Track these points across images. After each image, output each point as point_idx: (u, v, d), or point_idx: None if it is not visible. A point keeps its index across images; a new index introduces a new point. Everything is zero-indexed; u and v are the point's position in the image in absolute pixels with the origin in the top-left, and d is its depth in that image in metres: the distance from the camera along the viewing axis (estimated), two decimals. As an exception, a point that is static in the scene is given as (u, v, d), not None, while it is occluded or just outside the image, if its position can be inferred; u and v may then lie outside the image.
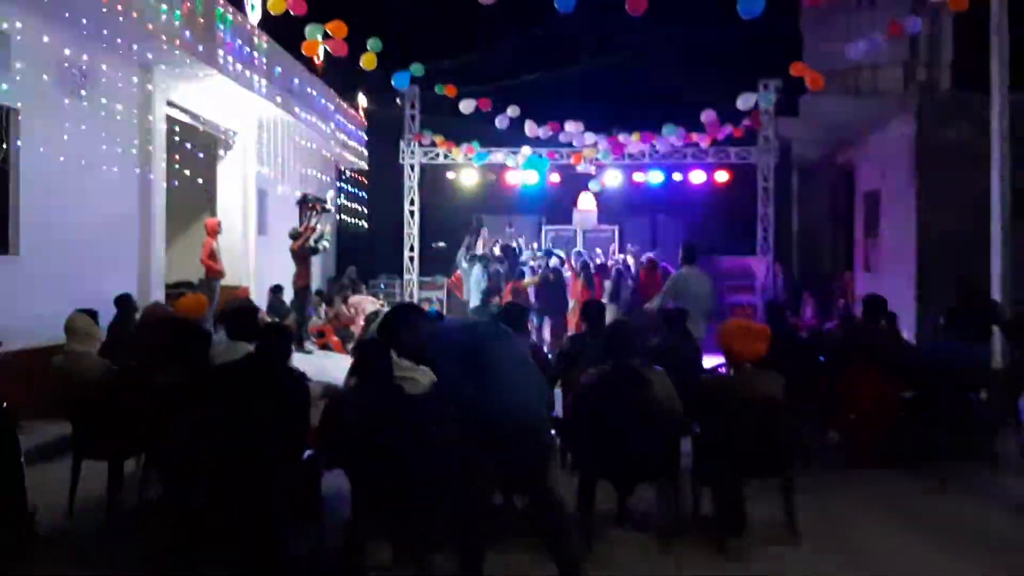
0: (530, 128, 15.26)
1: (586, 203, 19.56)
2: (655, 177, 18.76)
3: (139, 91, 11.25)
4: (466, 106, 14.31)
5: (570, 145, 16.79)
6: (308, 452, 4.99)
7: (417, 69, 12.82)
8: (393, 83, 13.08)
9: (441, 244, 19.32)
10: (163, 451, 5.42)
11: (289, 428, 4.75)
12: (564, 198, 19.72)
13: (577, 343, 7.43)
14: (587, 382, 5.17)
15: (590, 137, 15.80)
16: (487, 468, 4.34)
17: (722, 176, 18.99)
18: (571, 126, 15.28)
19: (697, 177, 18.95)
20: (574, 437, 5.66)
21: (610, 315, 14.87)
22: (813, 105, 18.01)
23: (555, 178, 18.94)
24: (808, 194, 21.37)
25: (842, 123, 18.20)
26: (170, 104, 12.27)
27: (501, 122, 14.93)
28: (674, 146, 17.62)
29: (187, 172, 13.46)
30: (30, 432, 7.14)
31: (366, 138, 20.00)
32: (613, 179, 18.85)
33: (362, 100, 20.03)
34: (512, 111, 14.87)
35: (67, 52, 9.57)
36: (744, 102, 14.51)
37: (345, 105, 18.60)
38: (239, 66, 12.57)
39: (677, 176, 18.92)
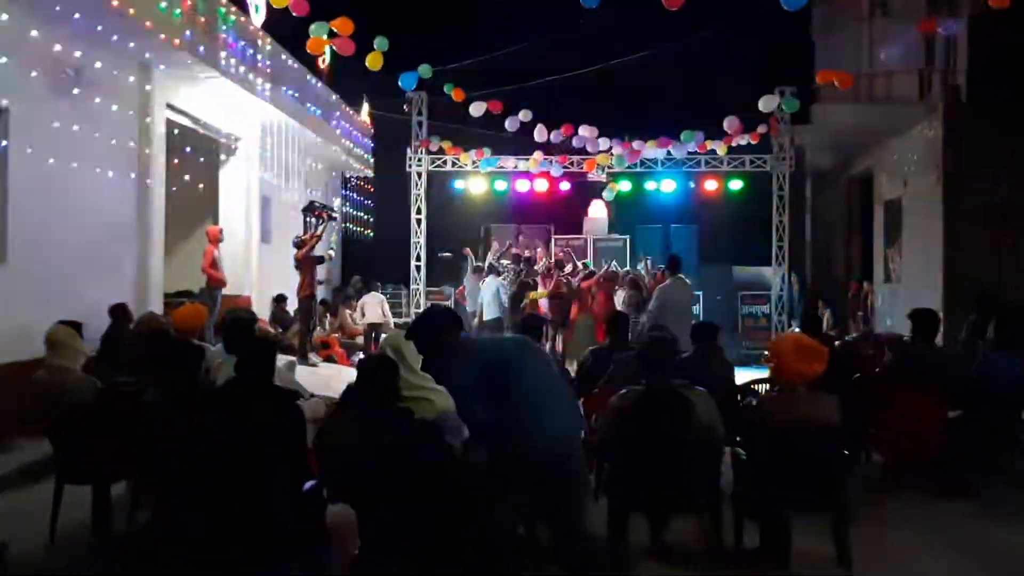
0: (540, 133, 14.76)
1: (597, 212, 19.09)
2: (668, 185, 18.29)
3: (137, 92, 10.81)
4: (476, 108, 13.83)
5: (584, 151, 16.31)
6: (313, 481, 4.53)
7: (425, 70, 12.36)
8: (400, 84, 12.60)
9: (446, 254, 18.82)
10: (152, 475, 4.95)
11: (280, 453, 4.26)
12: (574, 207, 19.25)
13: (601, 359, 6.95)
14: (621, 404, 4.67)
15: (604, 143, 15.29)
16: (510, 499, 3.87)
17: (736, 184, 18.51)
18: (585, 131, 14.76)
19: (711, 185, 18.48)
20: (604, 463, 5.16)
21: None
22: (826, 113, 17.63)
23: (565, 186, 18.48)
24: (821, 203, 20.94)
25: (857, 130, 17.79)
26: (170, 107, 11.83)
27: (511, 125, 14.43)
28: (689, 153, 17.17)
29: (188, 178, 13.01)
30: (13, 451, 6.67)
31: (372, 145, 19.54)
32: (625, 187, 18.40)
33: (367, 107, 19.58)
34: (523, 115, 14.37)
35: (58, 48, 9.10)
36: (766, 104, 14.01)
37: (350, 111, 18.16)
38: (242, 68, 12.14)
39: (691, 184, 18.45)
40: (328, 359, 15.04)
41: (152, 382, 4.94)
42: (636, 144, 15.70)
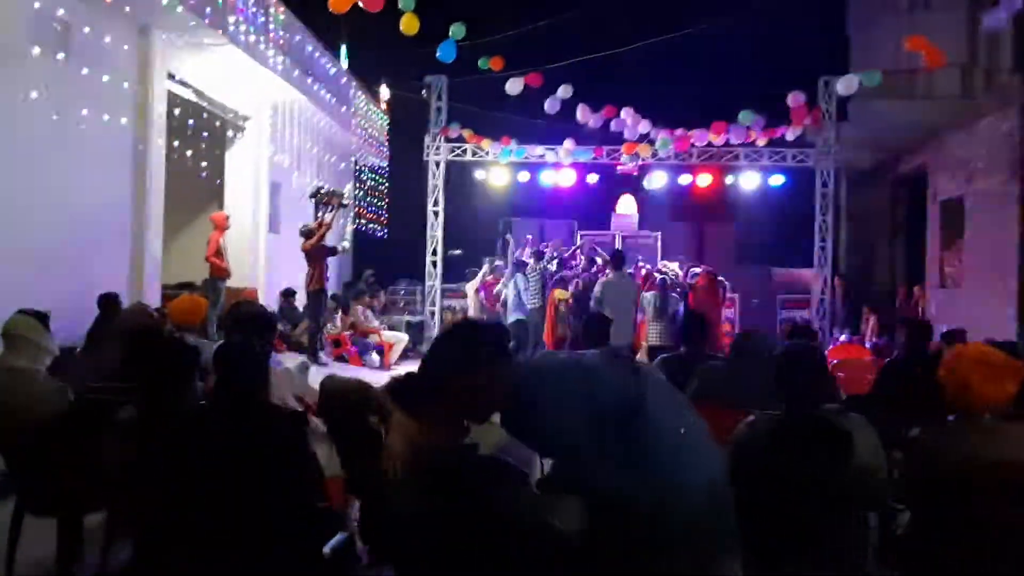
0: (582, 113, 13.53)
1: (626, 207, 17.94)
2: (703, 180, 17.10)
3: (135, 57, 9.71)
4: (513, 85, 12.57)
5: (620, 140, 15.09)
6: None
7: (458, 31, 11.04)
8: (438, 56, 11.35)
9: (457, 251, 17.66)
10: (132, 505, 3.82)
11: (277, 484, 3.18)
12: (602, 201, 18.10)
13: (676, 370, 5.79)
14: (749, 436, 3.52)
15: (645, 126, 13.99)
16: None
17: (777, 180, 17.32)
18: (627, 114, 13.51)
19: (749, 181, 17.29)
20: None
21: (656, 334, 13.26)
22: (868, 109, 16.58)
23: (592, 179, 17.32)
24: (859, 203, 19.82)
25: (906, 127, 16.72)
26: (172, 78, 10.72)
27: (551, 106, 13.20)
28: (725, 146, 16.01)
29: (190, 159, 11.92)
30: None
31: (387, 131, 18.41)
32: (658, 181, 17.24)
33: (384, 91, 18.44)
34: (564, 91, 13.09)
35: (38, 6, 7.98)
36: (846, 85, 12.79)
37: (365, 95, 17.04)
38: (253, 37, 11.03)
39: (727, 179, 17.27)
40: (339, 358, 13.98)
41: (131, 393, 3.80)
42: (683, 130, 14.40)
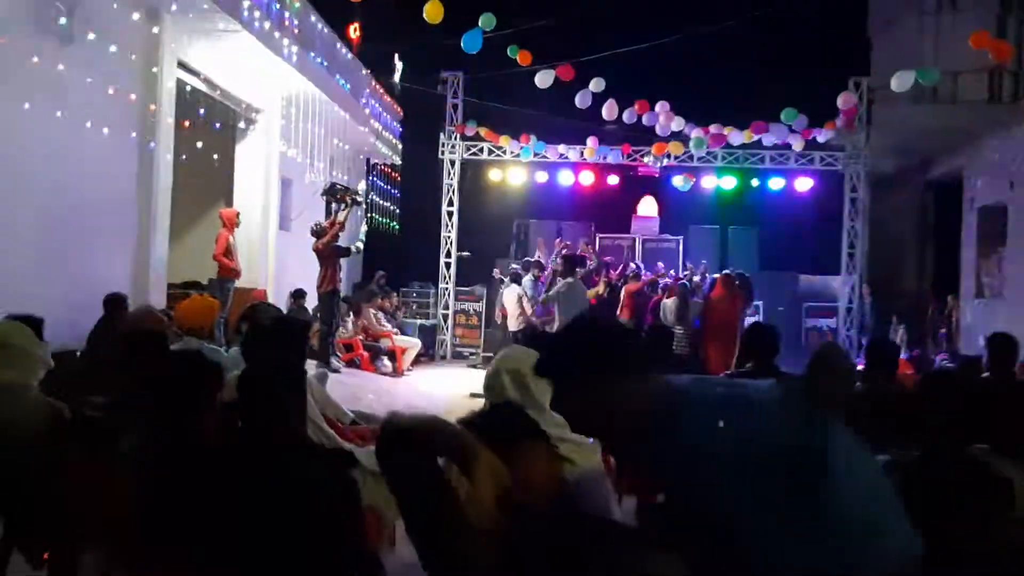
0: (609, 110, 12.90)
1: (647, 209, 17.34)
2: (727, 182, 16.50)
3: (143, 39, 9.09)
4: (543, 78, 11.93)
5: (645, 139, 14.48)
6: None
7: (488, 20, 10.43)
8: (463, 47, 10.74)
9: (466, 253, 17.04)
10: (134, 552, 3.22)
11: (320, 545, 2.59)
12: (622, 203, 17.50)
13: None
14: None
15: (678, 123, 13.33)
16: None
17: (804, 184, 16.71)
18: (661, 110, 12.86)
19: (775, 184, 16.70)
20: None
21: (675, 343, 12.67)
22: (894, 113, 16.01)
23: (613, 180, 16.74)
24: (884, 209, 19.20)
25: (939, 130, 16.13)
26: (182, 66, 10.11)
27: (583, 100, 12.58)
28: (746, 146, 15.41)
29: (199, 152, 11.32)
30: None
31: (400, 128, 17.80)
32: (680, 183, 16.65)
33: (396, 85, 17.83)
34: (596, 84, 12.44)
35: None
36: (900, 81, 12.15)
37: (380, 88, 16.43)
38: (267, 24, 10.42)
39: (752, 182, 16.68)
40: (350, 363, 13.38)
41: (138, 410, 3.20)
42: (715, 128, 13.77)
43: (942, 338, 14.84)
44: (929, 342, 15.36)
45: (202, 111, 10.93)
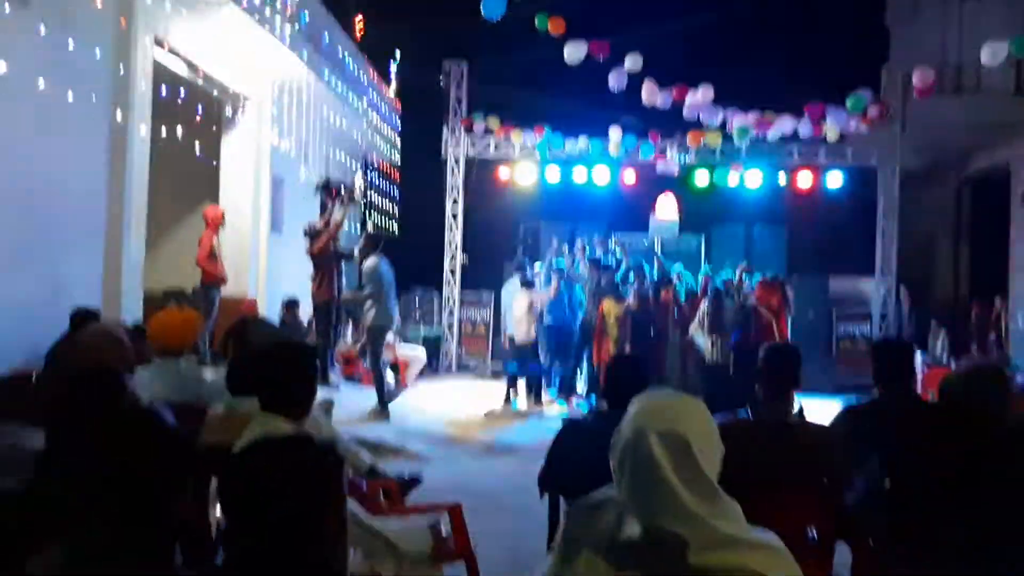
0: (648, 91, 11.62)
1: (666, 208, 16.13)
2: (753, 178, 15.30)
3: (113, 14, 7.84)
4: (573, 51, 10.59)
5: (672, 129, 13.24)
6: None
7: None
8: (484, 12, 9.49)
9: (464, 258, 15.80)
10: None
11: None
12: (639, 202, 16.30)
13: (875, 425, 3.96)
14: None
15: (716, 112, 12.01)
16: None
17: (835, 180, 15.54)
18: (702, 94, 11.59)
19: (804, 180, 15.51)
20: None
21: (709, 349, 11.56)
22: (926, 107, 15.00)
23: (630, 178, 15.53)
24: (916, 207, 18.13)
25: (965, 124, 15.13)
26: (159, 44, 8.88)
27: (618, 80, 11.29)
28: (775, 140, 14.24)
29: (180, 144, 10.08)
30: None
31: (400, 124, 16.59)
32: (700, 179, 15.47)
33: (395, 79, 16.63)
34: (632, 62, 11.11)
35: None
36: (992, 54, 10.94)
37: (379, 80, 15.22)
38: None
39: (780, 178, 15.49)
40: (350, 378, 12.19)
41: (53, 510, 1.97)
42: (768, 117, 12.40)
43: (992, 345, 13.68)
44: (974, 349, 14.19)
45: (183, 97, 9.67)
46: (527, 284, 11.92)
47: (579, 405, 11.77)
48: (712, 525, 1.87)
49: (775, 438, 3.54)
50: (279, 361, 3.05)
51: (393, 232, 16.24)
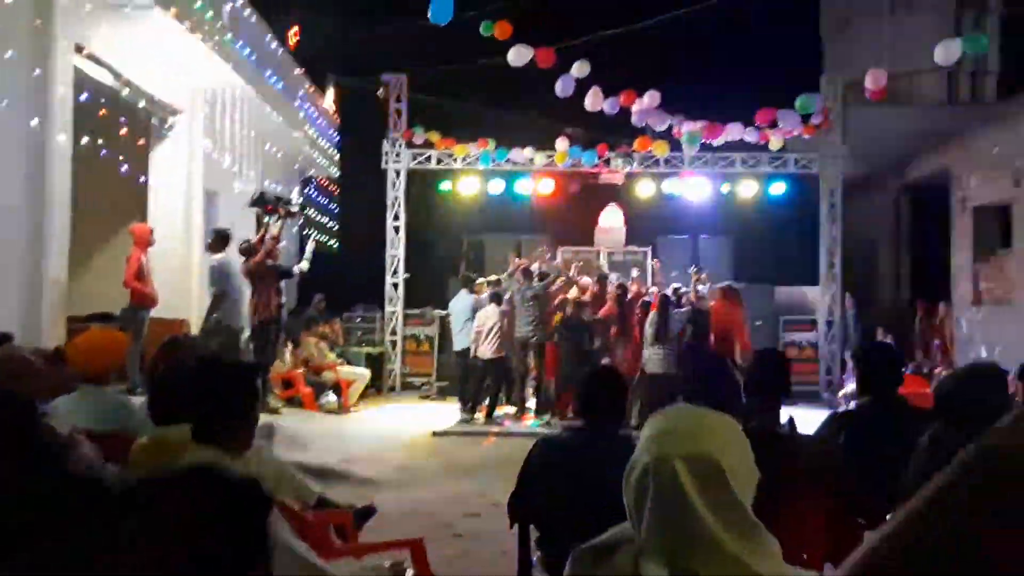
0: (593, 99, 11.35)
1: (611, 219, 15.93)
2: (696, 189, 15.19)
3: (27, 13, 7.31)
4: (518, 55, 10.27)
5: (618, 139, 13.03)
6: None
7: (462, -11, 8.90)
8: (431, 18, 9.11)
9: (405, 275, 15.37)
10: None
11: None
12: (584, 214, 16.08)
13: (870, 433, 3.69)
14: None
15: (665, 118, 11.78)
16: None
17: (777, 189, 15.53)
18: (649, 100, 11.36)
19: (748, 189, 15.48)
20: None
21: (656, 362, 11.26)
22: (865, 117, 15.16)
23: (573, 189, 15.33)
24: (855, 214, 18.28)
25: (915, 133, 15.29)
26: (80, 51, 8.35)
27: (564, 87, 11.01)
28: (715, 149, 14.17)
29: (106, 159, 9.54)
30: None
31: (338, 137, 16.13)
32: (645, 190, 15.32)
33: (333, 92, 16.17)
34: (579, 68, 10.83)
35: None
36: (945, 53, 10.88)
37: (315, 92, 14.76)
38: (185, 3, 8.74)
39: (723, 188, 15.43)
40: (290, 401, 11.67)
41: None
42: (701, 124, 12.23)
43: (936, 349, 13.72)
44: (919, 355, 14.23)
45: (108, 108, 9.14)
46: (497, 299, 11.60)
47: (532, 424, 11.43)
48: (751, 566, 1.55)
49: (769, 451, 3.25)
50: (212, 382, 2.61)
51: (333, 248, 15.73)
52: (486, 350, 11.33)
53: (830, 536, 3.27)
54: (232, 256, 9.77)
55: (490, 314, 11.42)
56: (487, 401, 11.66)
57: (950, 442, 3.36)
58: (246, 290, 9.90)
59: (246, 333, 10.27)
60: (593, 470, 3.23)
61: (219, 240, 9.92)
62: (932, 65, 16.26)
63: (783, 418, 3.43)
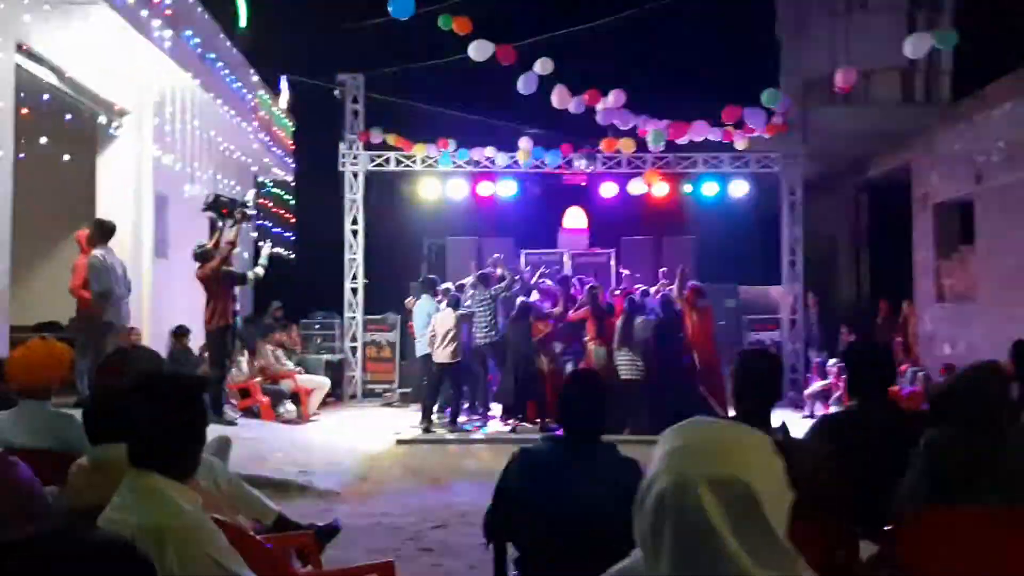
0: (559, 96, 11.13)
1: (574, 221, 15.76)
2: (658, 189, 15.10)
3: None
4: (478, 50, 9.99)
5: (583, 140, 12.84)
6: None
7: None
8: (392, 11, 8.82)
9: (364, 280, 15.08)
10: None
11: None
12: (547, 216, 15.90)
13: (856, 434, 3.49)
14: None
15: (628, 116, 11.61)
16: None
17: (739, 189, 15.49)
18: (617, 97, 11.16)
19: (709, 189, 15.43)
20: None
21: (625, 366, 11.09)
22: (818, 115, 15.19)
23: (536, 191, 15.14)
24: (814, 214, 18.34)
25: (855, 134, 15.36)
26: (23, 51, 7.97)
27: (527, 84, 10.77)
28: (681, 149, 14.10)
29: (50, 163, 9.15)
30: None
31: (293, 141, 15.75)
32: (608, 191, 15.20)
33: (286, 92, 15.78)
34: (542, 66, 10.58)
35: None
36: (915, 46, 10.80)
37: (268, 91, 14.38)
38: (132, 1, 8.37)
39: (685, 189, 15.37)
40: (247, 412, 11.32)
41: None
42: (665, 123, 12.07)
43: (899, 348, 13.71)
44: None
45: (51, 108, 8.74)
46: (454, 304, 11.35)
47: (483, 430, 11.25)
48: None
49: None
50: (151, 400, 2.30)
51: (288, 254, 15.35)
52: (441, 355, 11.08)
53: (826, 546, 3.08)
54: (111, 251, 8.82)
55: (446, 318, 11.17)
56: (448, 408, 11.40)
57: (950, 445, 3.20)
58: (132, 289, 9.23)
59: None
60: (576, 484, 3.01)
61: (99, 233, 8.83)
62: (887, 64, 16.47)
63: (774, 422, 3.23)
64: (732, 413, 3.17)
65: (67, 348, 4.84)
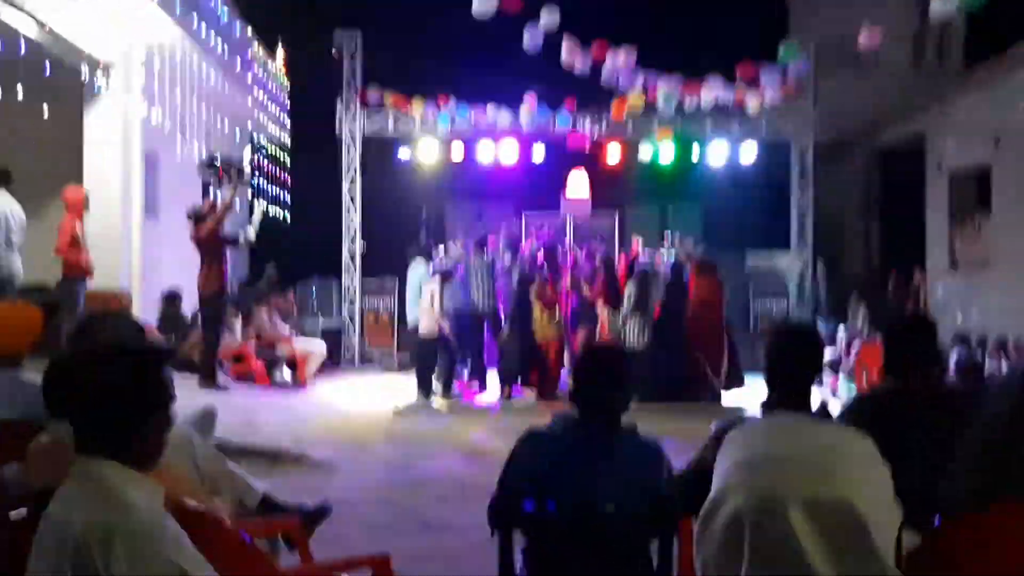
0: (568, 50, 10.66)
1: (577, 186, 15.32)
2: (666, 155, 14.66)
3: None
4: (481, 3, 9.47)
5: (590, 97, 12.36)
6: None
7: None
8: None
9: (360, 244, 14.70)
10: None
11: None
12: (549, 180, 15.49)
13: (902, 416, 3.19)
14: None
15: (631, 78, 11.10)
16: None
17: (748, 154, 15.04)
18: (623, 56, 10.67)
19: (718, 154, 14.98)
20: None
21: (635, 334, 10.84)
22: (829, 82, 14.78)
23: (539, 155, 14.69)
24: (824, 181, 17.97)
25: (865, 100, 14.98)
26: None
27: (532, 38, 10.31)
28: (702, 106, 13.65)
29: (34, 119, 8.75)
30: None
31: (289, 103, 15.32)
32: (612, 156, 14.76)
33: (283, 53, 15.32)
34: (549, 18, 10.06)
35: None
36: (943, 8, 10.29)
37: (265, 52, 13.93)
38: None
39: (693, 153, 14.94)
40: (242, 377, 11.02)
41: None
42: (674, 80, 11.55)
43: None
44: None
45: (36, 67, 8.33)
46: (445, 275, 11.00)
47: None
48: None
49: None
50: (98, 374, 1.92)
51: (283, 218, 14.98)
52: (430, 325, 10.73)
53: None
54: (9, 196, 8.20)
55: (435, 288, 10.80)
56: (443, 379, 11.06)
57: (1006, 438, 2.85)
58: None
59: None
60: (591, 475, 2.68)
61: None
62: (898, 28, 16.04)
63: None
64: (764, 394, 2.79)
65: (38, 312, 4.50)
